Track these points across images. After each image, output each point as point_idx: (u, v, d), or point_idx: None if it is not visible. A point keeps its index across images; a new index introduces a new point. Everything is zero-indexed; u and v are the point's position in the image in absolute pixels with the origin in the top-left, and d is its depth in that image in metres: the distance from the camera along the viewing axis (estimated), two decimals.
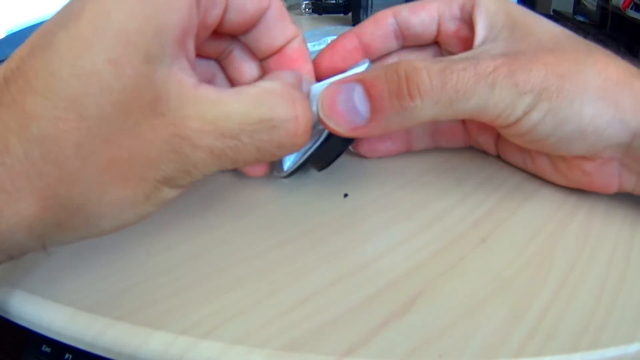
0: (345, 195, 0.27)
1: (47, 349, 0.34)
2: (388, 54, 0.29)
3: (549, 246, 0.23)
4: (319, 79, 0.27)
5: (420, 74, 0.21)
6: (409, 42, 0.29)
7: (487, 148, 0.31)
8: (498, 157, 0.31)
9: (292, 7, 0.75)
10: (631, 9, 0.61)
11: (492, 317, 0.19)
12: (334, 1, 0.69)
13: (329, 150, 0.25)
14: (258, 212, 0.26)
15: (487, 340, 0.18)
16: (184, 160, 0.17)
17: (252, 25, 0.23)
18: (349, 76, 0.23)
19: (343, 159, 0.26)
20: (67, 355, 0.34)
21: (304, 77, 0.23)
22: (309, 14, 0.70)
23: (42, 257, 0.22)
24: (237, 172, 0.29)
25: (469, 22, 0.26)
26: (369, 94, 0.22)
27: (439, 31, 0.28)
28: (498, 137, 0.30)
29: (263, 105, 0.18)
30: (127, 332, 0.19)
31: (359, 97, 0.22)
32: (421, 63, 0.22)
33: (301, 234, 0.24)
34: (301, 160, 0.25)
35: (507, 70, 0.22)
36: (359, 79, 0.22)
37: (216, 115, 0.17)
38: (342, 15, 0.68)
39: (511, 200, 0.27)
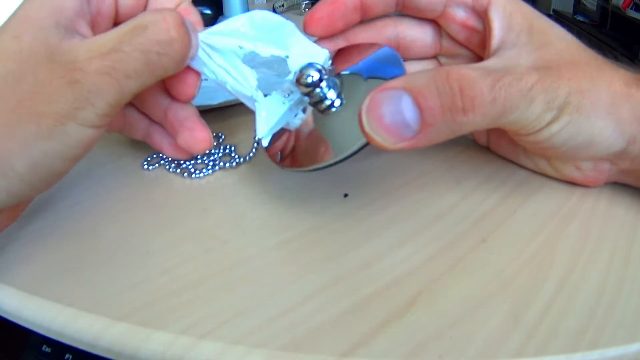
0: (345, 195, 0.27)
1: (47, 349, 0.34)
2: (382, 16, 0.29)
3: (550, 246, 0.23)
4: (313, 35, 0.28)
5: (474, 88, 0.21)
6: (408, 12, 0.28)
7: (478, 138, 0.31)
8: (488, 148, 0.31)
9: (292, 7, 0.75)
10: (631, 9, 0.61)
11: (492, 317, 0.19)
12: None
13: (357, 153, 0.24)
14: (258, 212, 0.26)
15: (487, 340, 0.18)
16: (79, 88, 0.21)
17: (143, 6, 0.26)
18: (391, 82, 0.21)
19: None
20: (67, 355, 0.34)
21: (185, 18, 0.23)
22: None
23: (43, 257, 0.22)
24: (237, 173, 0.29)
25: (481, 15, 0.27)
26: (419, 106, 0.20)
27: (443, 12, 0.28)
28: (490, 129, 0.30)
29: (134, 20, 0.22)
30: (127, 332, 0.19)
31: (407, 108, 0.20)
32: (471, 73, 0.21)
33: (301, 234, 0.24)
34: (330, 162, 0.24)
35: (541, 87, 0.22)
36: (406, 87, 0.21)
37: (98, 43, 0.21)
38: None
39: (511, 200, 0.27)
